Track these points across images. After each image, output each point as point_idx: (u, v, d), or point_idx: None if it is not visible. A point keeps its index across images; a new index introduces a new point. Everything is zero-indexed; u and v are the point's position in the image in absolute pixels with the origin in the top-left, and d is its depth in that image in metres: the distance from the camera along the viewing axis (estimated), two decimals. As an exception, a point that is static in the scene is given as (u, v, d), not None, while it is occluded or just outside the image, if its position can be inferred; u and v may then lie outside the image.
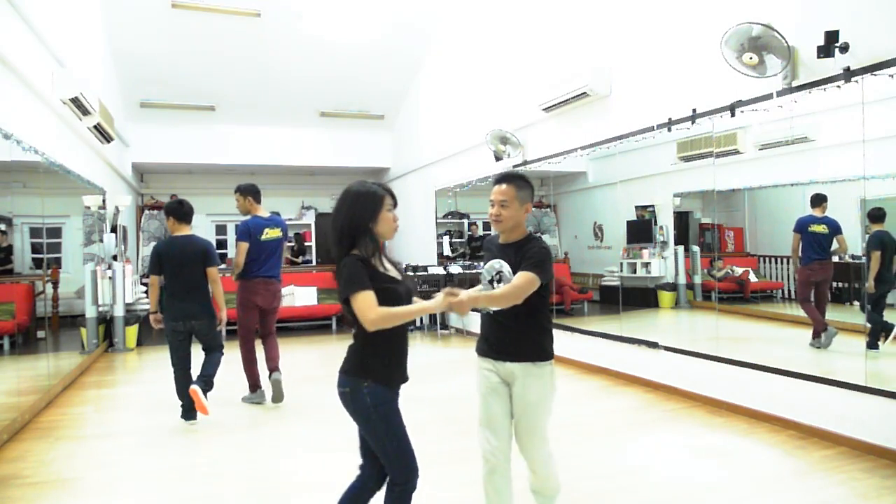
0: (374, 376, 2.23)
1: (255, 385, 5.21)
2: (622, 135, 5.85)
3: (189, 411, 4.59)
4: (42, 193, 6.03)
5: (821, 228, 5.04)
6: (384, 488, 2.30)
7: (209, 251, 4.69)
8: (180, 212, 4.69)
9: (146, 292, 8.63)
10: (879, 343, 4.33)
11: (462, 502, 3.19)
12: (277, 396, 5.12)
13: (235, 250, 5.02)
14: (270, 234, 5.13)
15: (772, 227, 6.31)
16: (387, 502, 2.27)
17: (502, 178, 2.59)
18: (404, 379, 2.33)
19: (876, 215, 4.53)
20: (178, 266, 4.58)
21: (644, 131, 5.59)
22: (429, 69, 10.34)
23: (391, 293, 2.21)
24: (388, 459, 2.25)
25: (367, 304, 2.11)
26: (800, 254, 5.19)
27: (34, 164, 5.36)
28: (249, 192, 5.19)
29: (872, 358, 3.99)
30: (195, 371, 4.69)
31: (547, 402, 2.52)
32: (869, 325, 4.24)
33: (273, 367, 5.17)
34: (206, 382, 4.59)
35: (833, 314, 5.37)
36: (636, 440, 4.17)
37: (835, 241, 5.08)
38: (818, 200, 5.06)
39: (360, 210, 2.23)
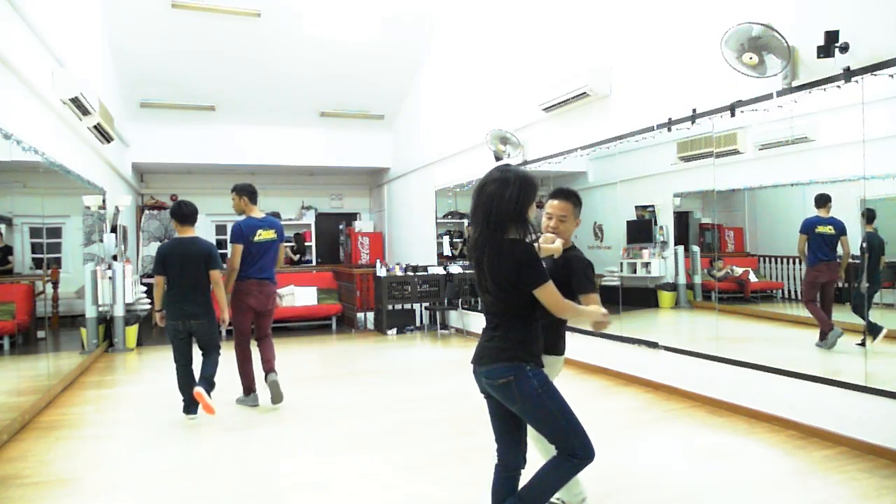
0: (535, 360, 2.27)
1: (249, 388, 5.19)
2: (622, 135, 5.85)
3: (190, 406, 4.75)
4: (42, 193, 6.03)
5: (827, 229, 5.00)
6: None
7: (212, 254, 4.80)
8: (180, 214, 4.83)
9: (146, 292, 8.66)
10: (867, 343, 4.31)
11: (462, 502, 3.19)
12: (276, 397, 5.06)
13: (230, 253, 5.08)
14: (264, 235, 5.11)
15: (772, 227, 6.29)
16: (559, 471, 2.25)
17: (562, 194, 2.75)
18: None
19: (868, 216, 4.53)
20: (181, 267, 4.71)
21: (644, 131, 5.59)
22: (429, 69, 10.34)
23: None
24: (563, 436, 2.23)
25: (558, 293, 2.20)
26: (806, 254, 5.15)
27: (34, 164, 5.36)
28: (245, 192, 5.19)
29: (873, 358, 3.98)
30: (195, 367, 4.82)
31: None
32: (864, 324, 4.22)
33: (269, 369, 5.13)
34: (208, 383, 4.71)
35: (834, 314, 5.36)
36: (636, 440, 4.17)
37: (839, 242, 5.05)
38: (823, 201, 5.00)
39: (527, 195, 2.22)
